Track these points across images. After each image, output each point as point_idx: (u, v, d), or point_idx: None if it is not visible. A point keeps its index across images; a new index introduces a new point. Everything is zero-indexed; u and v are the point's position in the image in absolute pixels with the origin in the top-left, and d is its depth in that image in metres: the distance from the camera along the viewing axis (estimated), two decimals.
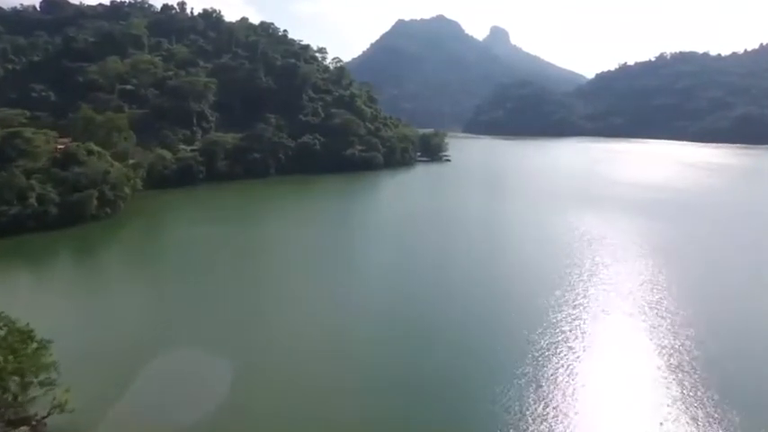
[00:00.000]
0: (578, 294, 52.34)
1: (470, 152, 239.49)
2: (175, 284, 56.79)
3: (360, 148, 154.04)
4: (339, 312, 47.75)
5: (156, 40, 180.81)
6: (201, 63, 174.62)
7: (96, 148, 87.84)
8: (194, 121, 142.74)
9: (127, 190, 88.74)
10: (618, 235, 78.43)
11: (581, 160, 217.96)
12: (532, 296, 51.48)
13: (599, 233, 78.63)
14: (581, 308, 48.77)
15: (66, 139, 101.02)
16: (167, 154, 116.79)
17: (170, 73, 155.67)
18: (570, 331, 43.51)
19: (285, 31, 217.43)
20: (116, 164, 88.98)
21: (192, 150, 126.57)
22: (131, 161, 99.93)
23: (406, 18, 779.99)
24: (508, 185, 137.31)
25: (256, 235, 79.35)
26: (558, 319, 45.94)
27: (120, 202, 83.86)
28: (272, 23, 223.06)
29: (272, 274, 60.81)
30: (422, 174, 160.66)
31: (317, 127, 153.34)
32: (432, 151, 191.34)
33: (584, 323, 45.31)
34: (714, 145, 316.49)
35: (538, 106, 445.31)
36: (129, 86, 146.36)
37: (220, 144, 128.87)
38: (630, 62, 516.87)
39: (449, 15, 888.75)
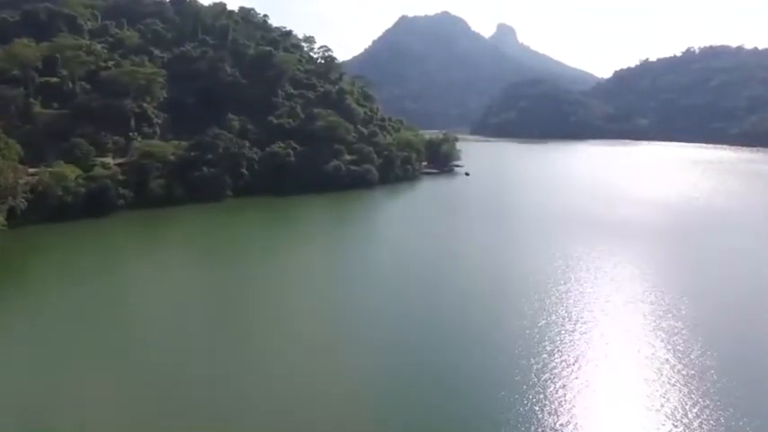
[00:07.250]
0: None
1: (485, 160, 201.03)
2: None
3: (348, 158, 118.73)
4: None
5: (102, 24, 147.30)
6: (157, 52, 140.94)
7: None
8: (132, 124, 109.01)
9: None
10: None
11: (621, 168, 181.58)
12: None
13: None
14: None
15: None
16: (72, 172, 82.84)
17: (111, 63, 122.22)
18: None
19: (266, 16, 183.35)
20: None
21: (117, 165, 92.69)
22: None
23: (410, 14, 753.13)
24: (547, 215, 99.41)
25: (167, 310, 45.03)
26: None
27: None
28: (252, 9, 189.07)
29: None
30: (431, 194, 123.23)
31: (294, 132, 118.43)
32: (441, 160, 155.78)
33: None
34: (765, 150, 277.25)
35: (553, 106, 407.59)
36: (53, 79, 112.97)
37: (156, 156, 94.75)
38: (652, 58, 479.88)
39: (454, 12, 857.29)
